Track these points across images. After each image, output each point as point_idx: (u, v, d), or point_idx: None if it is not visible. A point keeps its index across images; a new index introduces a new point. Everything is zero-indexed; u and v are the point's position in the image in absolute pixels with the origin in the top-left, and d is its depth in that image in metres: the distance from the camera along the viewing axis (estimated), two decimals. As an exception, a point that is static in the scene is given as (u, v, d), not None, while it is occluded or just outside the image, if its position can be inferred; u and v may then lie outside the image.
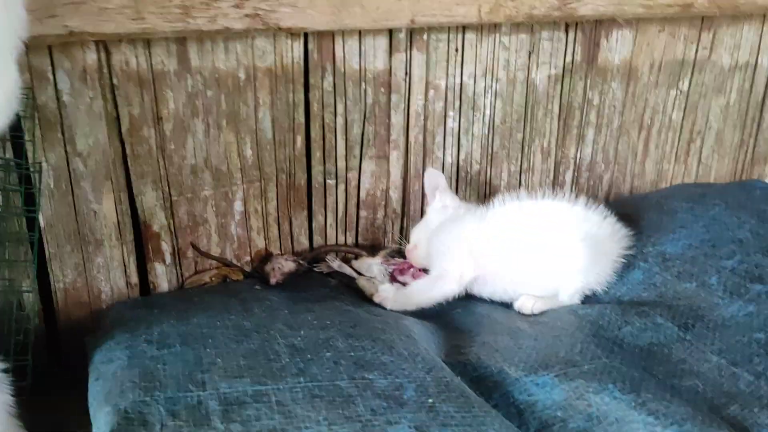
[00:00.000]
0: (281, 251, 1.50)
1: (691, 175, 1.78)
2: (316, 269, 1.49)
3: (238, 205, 1.43)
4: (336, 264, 1.48)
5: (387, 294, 1.35)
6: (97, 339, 1.09)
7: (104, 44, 1.21)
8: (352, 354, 1.01)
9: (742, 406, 0.98)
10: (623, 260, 1.36)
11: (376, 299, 1.36)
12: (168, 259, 1.40)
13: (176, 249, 1.40)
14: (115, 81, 1.24)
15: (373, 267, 1.47)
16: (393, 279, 1.45)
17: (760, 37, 1.68)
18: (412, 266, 1.46)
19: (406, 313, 1.32)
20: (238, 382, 0.91)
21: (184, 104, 1.31)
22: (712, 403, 0.99)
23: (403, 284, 1.42)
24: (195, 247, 1.42)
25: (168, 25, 1.20)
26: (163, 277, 1.40)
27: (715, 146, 1.76)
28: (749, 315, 1.14)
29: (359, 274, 1.47)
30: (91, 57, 1.21)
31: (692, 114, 1.72)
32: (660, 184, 1.76)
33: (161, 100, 1.29)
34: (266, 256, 1.49)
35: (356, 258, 1.53)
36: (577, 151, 1.66)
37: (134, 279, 1.37)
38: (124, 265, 1.35)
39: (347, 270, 1.48)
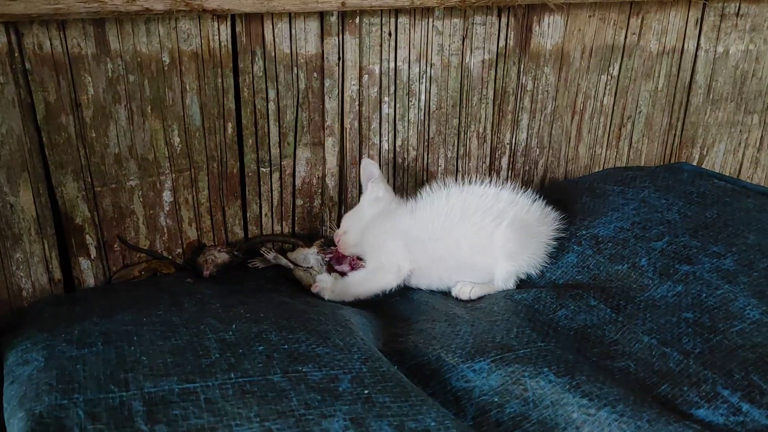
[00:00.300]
0: (214, 242, 1.46)
1: (622, 158, 1.81)
2: (250, 265, 1.45)
3: (167, 195, 1.38)
4: (271, 256, 1.44)
5: (325, 284, 1.33)
6: (13, 339, 1.03)
7: (14, 26, 1.14)
8: (286, 347, 0.98)
9: (672, 385, 0.99)
10: (555, 243, 1.37)
11: (313, 290, 1.34)
12: (93, 252, 1.34)
13: (102, 242, 1.34)
14: (27, 65, 1.17)
15: (309, 257, 1.44)
16: (330, 269, 1.42)
17: (686, 22, 1.71)
18: (351, 258, 1.44)
19: (344, 303, 1.30)
20: (164, 380, 0.87)
21: (104, 90, 1.25)
22: (643, 382, 1.01)
23: (342, 273, 1.40)
24: (122, 240, 1.36)
25: (83, 6, 1.13)
26: (88, 272, 1.34)
27: (644, 130, 1.80)
28: (678, 295, 1.17)
29: (296, 265, 1.44)
30: (0, 39, 1.13)
31: (622, 99, 1.74)
32: (593, 168, 1.78)
33: (79, 86, 1.22)
34: (199, 248, 1.44)
35: (293, 248, 1.50)
36: (512, 136, 1.67)
37: (57, 275, 1.31)
38: (46, 260, 1.29)
39: (283, 262, 1.44)
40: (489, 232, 1.31)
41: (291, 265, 1.43)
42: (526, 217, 1.33)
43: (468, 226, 1.32)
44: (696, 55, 1.76)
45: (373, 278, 1.35)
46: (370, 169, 1.47)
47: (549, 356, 1.03)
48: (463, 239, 1.32)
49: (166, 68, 1.29)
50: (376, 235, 1.38)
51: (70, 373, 0.87)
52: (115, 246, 1.36)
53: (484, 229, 1.31)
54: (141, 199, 1.35)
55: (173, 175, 1.37)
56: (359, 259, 1.43)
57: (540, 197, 1.38)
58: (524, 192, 1.37)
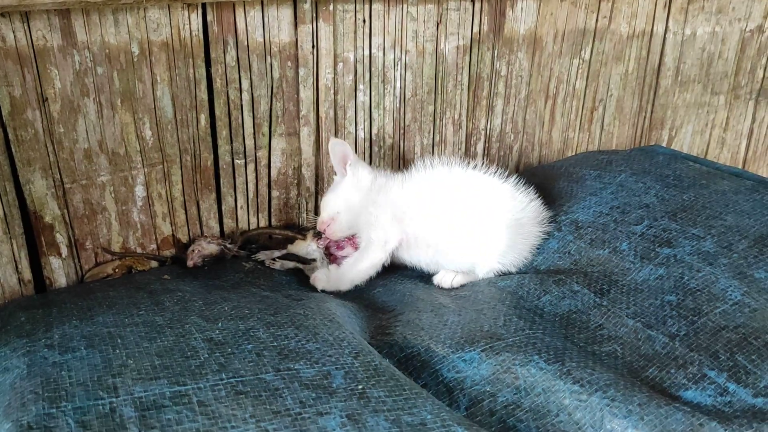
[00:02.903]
0: (189, 236, 1.43)
1: (594, 142, 1.83)
2: (268, 264, 1.43)
3: (139, 190, 1.34)
4: (278, 266, 1.41)
5: (321, 281, 1.33)
6: (-11, 346, 0.99)
7: (-25, 18, 1.08)
8: (275, 344, 0.96)
9: (660, 367, 1.01)
10: (539, 243, 1.37)
11: (311, 282, 1.34)
12: (64, 251, 1.29)
13: (73, 240, 1.30)
14: (-10, 59, 1.12)
15: (311, 251, 1.42)
16: (333, 258, 1.41)
17: (655, 5, 1.73)
18: (349, 240, 1.43)
19: (339, 293, 1.30)
20: (154, 384, 0.85)
21: (71, 83, 1.20)
22: (631, 366, 1.02)
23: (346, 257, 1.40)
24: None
25: (48, -4, 1.09)
26: (60, 272, 1.30)
27: (616, 113, 1.82)
28: (660, 278, 1.18)
29: (303, 262, 1.42)
30: (-40, 32, 1.08)
31: (594, 82, 1.76)
32: (566, 152, 1.80)
33: (45, 79, 1.18)
34: (192, 240, 1.42)
35: (291, 242, 1.47)
36: (487, 122, 1.67)
37: (27, 275, 1.26)
38: (15, 260, 1.24)
39: (291, 265, 1.42)
40: (479, 221, 1.30)
41: (300, 266, 1.42)
42: (521, 217, 1.32)
43: (460, 209, 1.30)
44: (665, 38, 1.78)
45: (362, 257, 1.33)
46: (342, 151, 1.39)
47: (538, 343, 1.04)
48: (451, 220, 1.31)
49: (135, 59, 1.25)
50: (369, 211, 1.35)
51: (56, 380, 0.84)
52: (87, 244, 1.32)
53: (474, 217, 1.30)
54: (113, 195, 1.31)
55: (145, 170, 1.33)
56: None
57: (537, 196, 1.37)
58: (524, 189, 1.35)
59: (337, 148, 1.39)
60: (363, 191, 1.38)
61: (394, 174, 1.41)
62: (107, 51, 1.22)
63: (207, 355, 0.92)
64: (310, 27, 1.39)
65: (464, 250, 1.31)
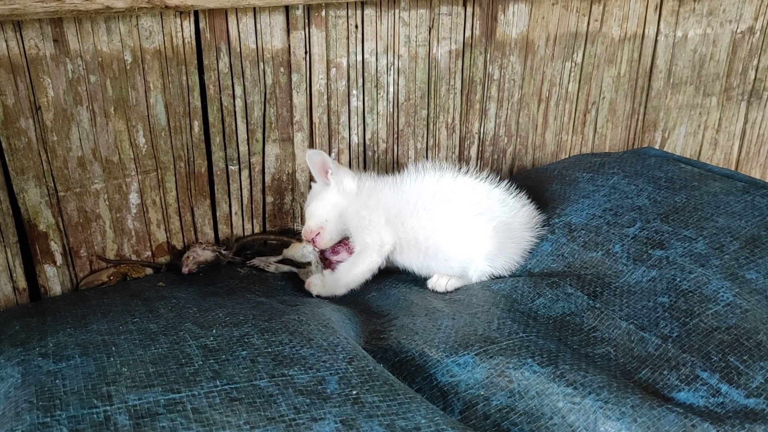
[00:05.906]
0: (184, 243, 1.43)
1: (587, 144, 1.83)
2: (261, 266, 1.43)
3: (133, 198, 1.34)
4: (272, 269, 1.42)
5: (316, 286, 1.33)
6: (-17, 355, 0.99)
7: (-33, 27, 1.09)
8: (270, 350, 0.96)
9: (653, 369, 1.01)
10: (532, 247, 1.37)
11: (306, 287, 1.34)
12: (59, 259, 1.29)
13: (67, 248, 1.30)
14: (-18, 68, 1.12)
15: (307, 253, 1.42)
16: (328, 263, 1.41)
17: (646, 7, 1.74)
18: (344, 244, 1.43)
19: (334, 298, 1.30)
20: (149, 391, 0.85)
21: (64, 91, 1.20)
22: (624, 368, 1.03)
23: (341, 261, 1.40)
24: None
25: (40, 5, 1.09)
26: (54, 280, 1.30)
27: (608, 116, 1.82)
28: (653, 280, 1.19)
29: (297, 265, 1.42)
30: (-48, 42, 1.08)
31: (587, 85, 1.76)
32: (560, 155, 1.80)
33: (38, 88, 1.18)
34: (187, 247, 1.42)
35: (286, 246, 1.47)
36: (480, 125, 1.67)
37: (22, 283, 1.26)
38: (9, 269, 1.24)
39: (286, 269, 1.43)
40: (469, 225, 1.30)
41: (295, 270, 1.42)
42: (512, 221, 1.32)
43: (451, 213, 1.31)
44: (656, 40, 1.79)
45: (357, 261, 1.33)
46: (320, 160, 1.38)
47: (531, 346, 1.04)
48: (442, 224, 1.31)
49: (128, 67, 1.25)
50: (361, 215, 1.35)
51: (50, 389, 0.84)
52: (82, 252, 1.32)
53: (465, 220, 1.30)
54: (107, 203, 1.31)
55: (139, 177, 1.33)
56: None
57: (529, 200, 1.37)
58: (516, 194, 1.36)
59: (315, 159, 1.39)
60: (350, 197, 1.39)
61: (383, 177, 1.41)
62: (100, 59, 1.22)
63: (201, 362, 0.92)
64: (303, 33, 1.39)
65: (454, 255, 1.32)
